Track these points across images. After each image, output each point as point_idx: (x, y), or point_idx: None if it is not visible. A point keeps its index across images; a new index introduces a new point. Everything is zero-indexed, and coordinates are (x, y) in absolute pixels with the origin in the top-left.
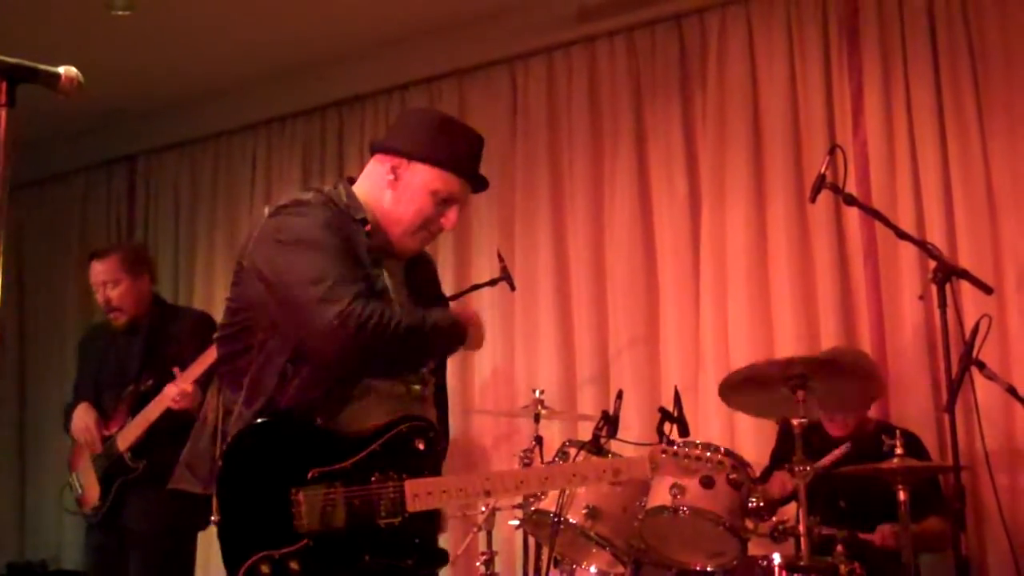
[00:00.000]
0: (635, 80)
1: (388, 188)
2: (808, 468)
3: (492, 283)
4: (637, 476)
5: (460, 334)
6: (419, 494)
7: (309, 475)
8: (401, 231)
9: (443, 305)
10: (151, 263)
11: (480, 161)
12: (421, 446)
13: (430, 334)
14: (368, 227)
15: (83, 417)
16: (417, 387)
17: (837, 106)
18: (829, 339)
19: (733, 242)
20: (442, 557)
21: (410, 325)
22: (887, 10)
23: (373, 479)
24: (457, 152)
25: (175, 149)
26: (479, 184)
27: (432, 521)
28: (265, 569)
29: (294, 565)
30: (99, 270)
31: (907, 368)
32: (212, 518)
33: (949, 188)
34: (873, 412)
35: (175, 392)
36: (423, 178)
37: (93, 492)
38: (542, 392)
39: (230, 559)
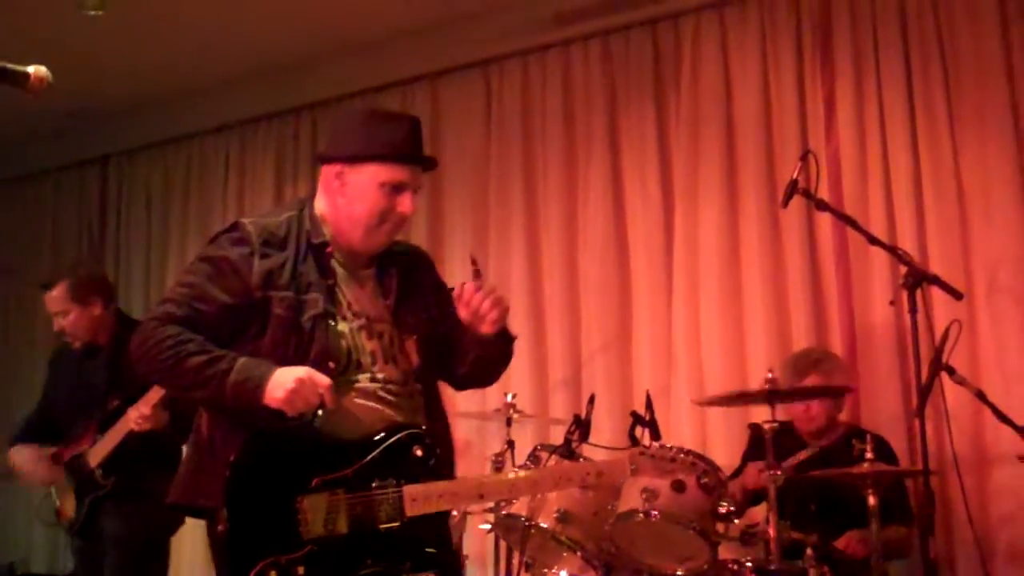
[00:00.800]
0: (609, 84)
1: (339, 195)
2: (779, 472)
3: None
4: (618, 478)
5: (253, 394)
6: (417, 498)
7: (313, 483)
8: (363, 231)
9: (446, 300)
10: (104, 288)
11: (420, 142)
12: (419, 453)
13: (211, 382)
14: (329, 248)
15: (20, 456)
16: (393, 387)
17: (810, 111)
18: (800, 343)
19: (706, 246)
20: (442, 561)
21: (187, 366)
22: (860, 16)
23: (374, 485)
24: (393, 140)
25: (148, 150)
26: (425, 164)
27: (433, 525)
28: (273, 575)
29: (300, 570)
30: (49, 300)
31: (878, 372)
32: (218, 527)
33: (920, 194)
34: (844, 416)
35: (135, 415)
36: (368, 175)
37: (69, 505)
38: (514, 396)
39: (237, 566)
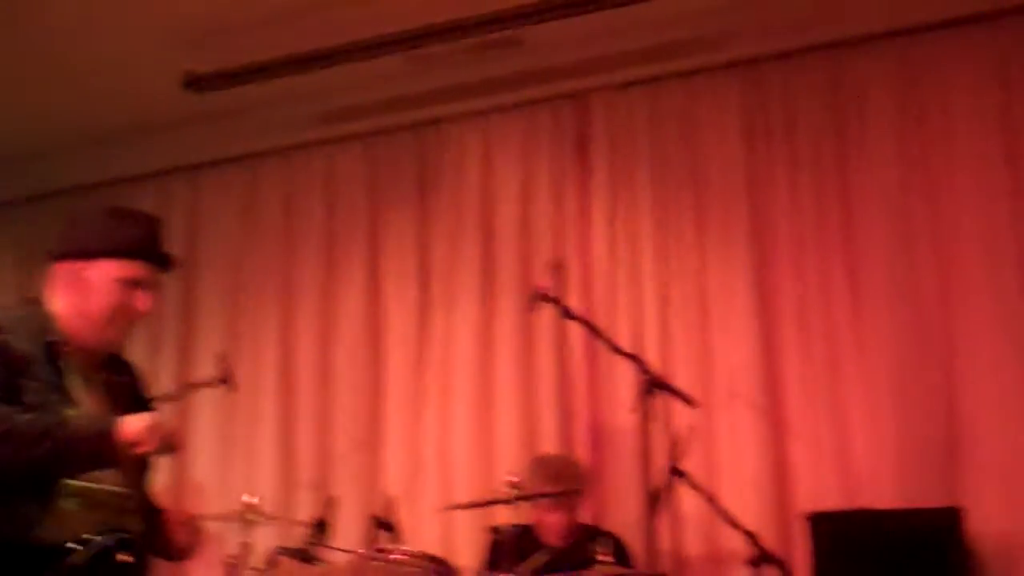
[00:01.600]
0: (372, 185)
1: (74, 292)
2: None
3: (211, 384)
4: None
5: (104, 442)
6: None
7: None
8: (97, 327)
9: (147, 409)
10: None
11: (160, 241)
12: (126, 559)
13: (50, 432)
14: (62, 346)
15: None
16: (118, 490)
17: (567, 220)
18: (548, 447)
19: (461, 349)
20: None
21: (19, 426)
22: (616, 133)
23: None
24: (133, 238)
25: None
26: (163, 264)
27: None
28: None
29: None
30: None
31: (621, 475)
32: None
33: (667, 303)
34: (588, 519)
35: None
36: (105, 271)
37: None
38: (254, 497)
39: None
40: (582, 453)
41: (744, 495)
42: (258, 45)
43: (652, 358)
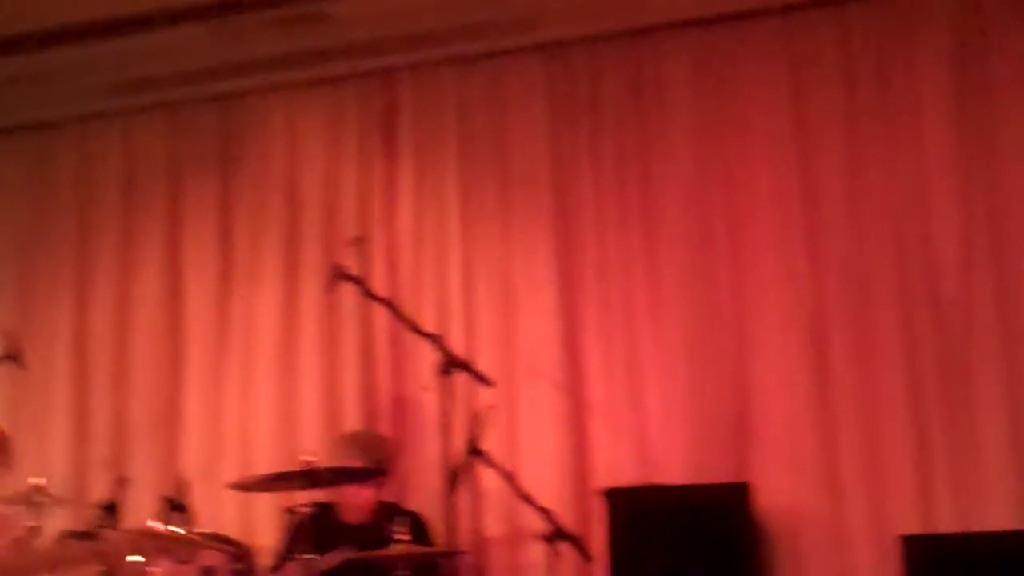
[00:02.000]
0: (174, 157)
1: None
2: (313, 559)
3: None
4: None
5: None
6: None
7: None
8: None
9: None
10: None
11: None
12: None
13: None
14: None
15: None
16: None
17: (374, 197)
18: (351, 424)
19: (264, 325)
20: None
21: None
22: (423, 108)
23: None
24: None
25: None
26: None
27: None
28: None
29: None
30: None
31: (423, 453)
32: None
33: (472, 282)
34: (391, 496)
35: None
36: None
37: None
38: (43, 479)
39: None
40: (384, 431)
41: (545, 472)
42: (54, 9)
43: (456, 336)
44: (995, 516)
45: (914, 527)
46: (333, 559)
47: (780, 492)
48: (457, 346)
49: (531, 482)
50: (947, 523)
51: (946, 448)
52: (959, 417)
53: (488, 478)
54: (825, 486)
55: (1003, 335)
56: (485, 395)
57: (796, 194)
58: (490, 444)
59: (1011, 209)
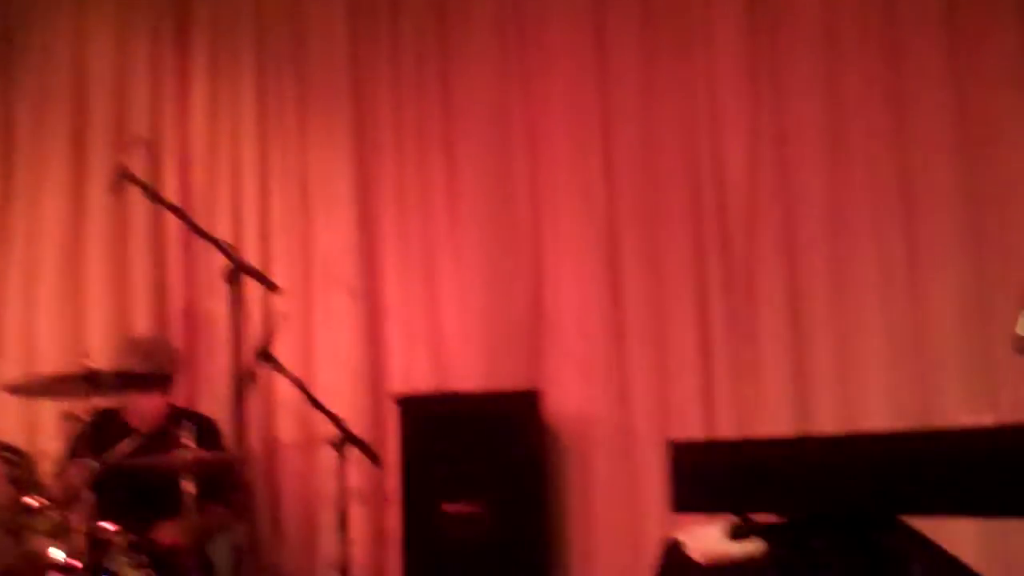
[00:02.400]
0: None
1: None
2: (94, 463)
3: None
4: None
5: None
6: None
7: None
8: None
9: None
10: None
11: None
12: None
13: None
14: None
15: None
16: None
17: (167, 102)
18: (141, 328)
19: (48, 228)
20: None
21: None
22: (219, 12)
23: None
24: None
25: None
26: None
27: None
28: None
29: None
30: None
31: (214, 359)
32: None
33: (267, 187)
34: (183, 400)
35: None
36: None
37: None
38: None
39: None
40: (175, 336)
41: (341, 379)
42: None
43: (252, 242)
44: (772, 424)
45: (697, 434)
46: (114, 456)
47: (571, 398)
48: (252, 253)
49: (327, 389)
50: (727, 431)
51: (728, 356)
52: (742, 330)
53: (283, 385)
54: (614, 393)
55: (785, 249)
56: (280, 303)
57: (593, 106)
58: (286, 351)
59: (796, 129)
